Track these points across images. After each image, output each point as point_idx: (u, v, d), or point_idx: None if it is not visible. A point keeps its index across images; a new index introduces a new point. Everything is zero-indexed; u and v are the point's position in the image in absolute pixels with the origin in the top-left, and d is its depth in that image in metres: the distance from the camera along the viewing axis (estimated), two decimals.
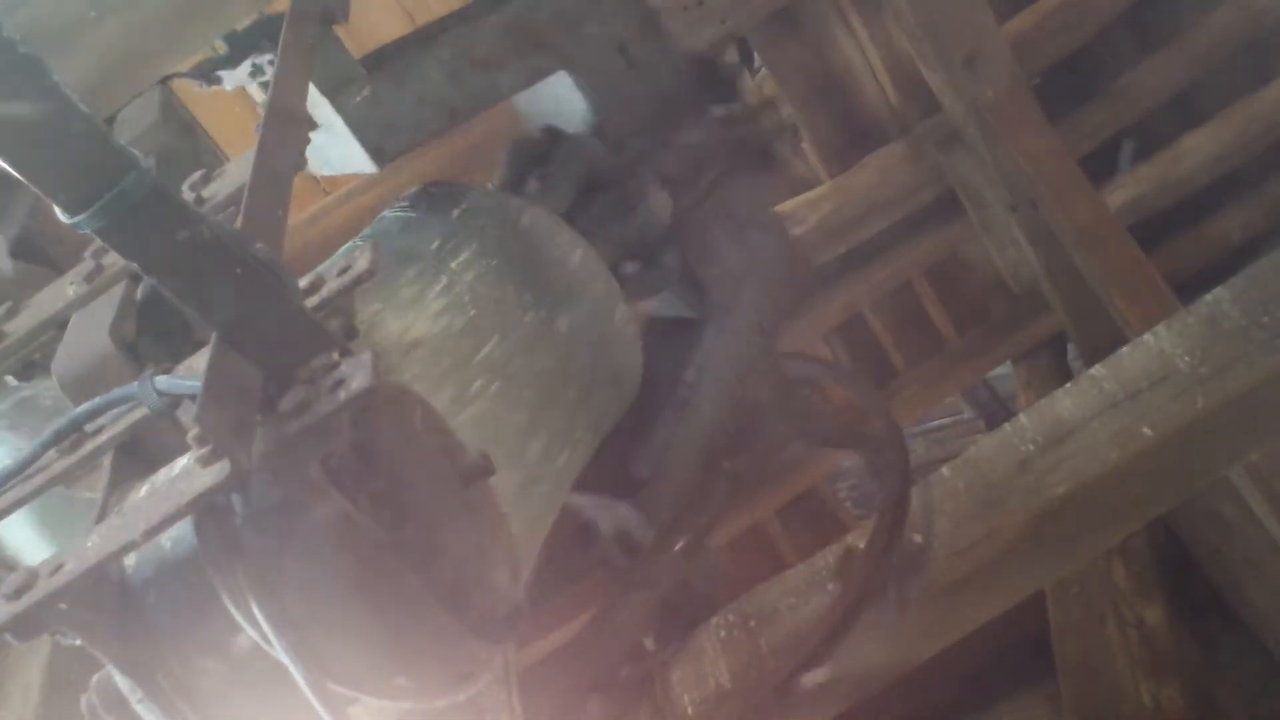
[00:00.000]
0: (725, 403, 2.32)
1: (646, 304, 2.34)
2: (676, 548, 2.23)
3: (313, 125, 1.88)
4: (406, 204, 1.96)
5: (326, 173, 2.20)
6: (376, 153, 2.09)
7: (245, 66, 2.08)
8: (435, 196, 1.96)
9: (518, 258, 1.88)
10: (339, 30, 2.09)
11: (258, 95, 2.09)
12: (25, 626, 1.12)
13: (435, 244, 1.79)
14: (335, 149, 2.08)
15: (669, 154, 2.30)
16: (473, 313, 1.70)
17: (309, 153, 1.58)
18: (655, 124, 2.29)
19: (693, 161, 2.33)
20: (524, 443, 1.62)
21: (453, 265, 1.76)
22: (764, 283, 2.40)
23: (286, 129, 1.50)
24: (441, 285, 1.70)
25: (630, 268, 2.20)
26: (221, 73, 2.09)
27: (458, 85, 2.15)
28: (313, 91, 1.99)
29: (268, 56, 2.06)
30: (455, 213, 1.89)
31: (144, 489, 1.19)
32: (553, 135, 2.25)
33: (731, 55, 2.55)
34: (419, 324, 1.59)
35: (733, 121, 2.43)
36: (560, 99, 2.24)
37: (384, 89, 2.11)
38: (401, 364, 1.49)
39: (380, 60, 2.14)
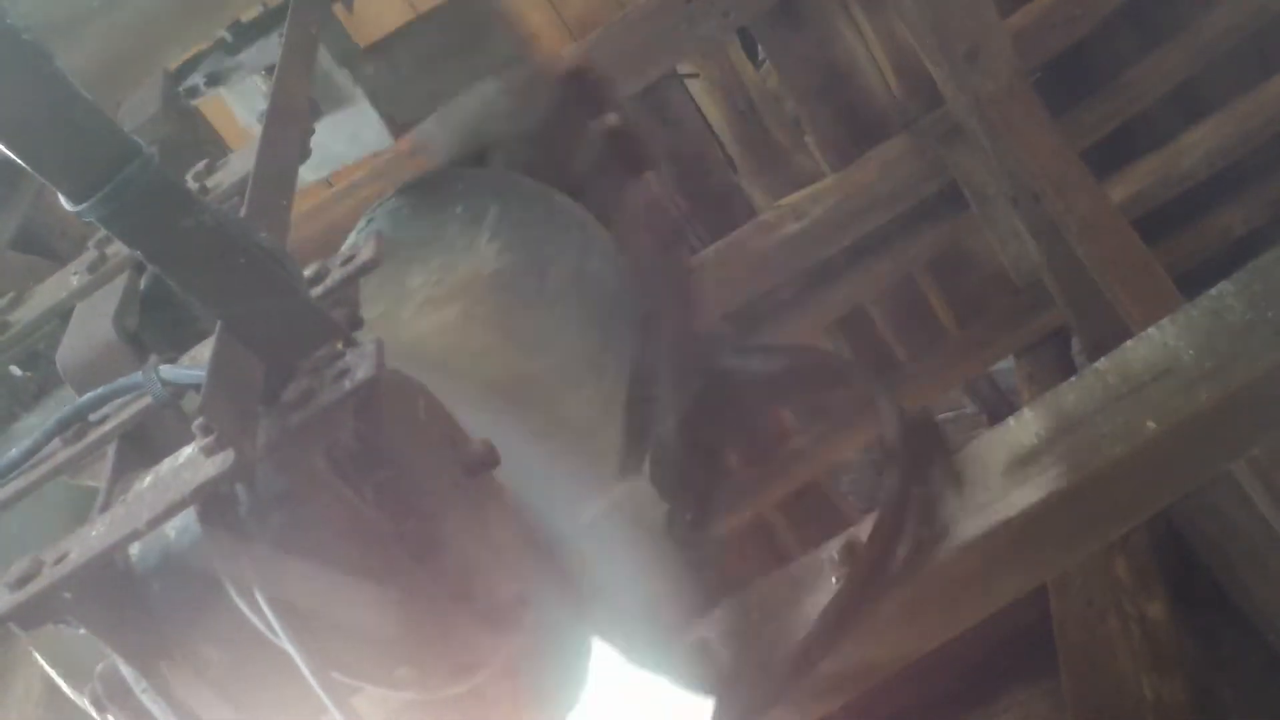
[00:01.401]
0: (688, 384, 2.34)
1: None
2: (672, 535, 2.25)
3: (317, 114, 1.88)
4: (404, 191, 1.99)
5: (324, 173, 2.21)
6: (390, 121, 2.10)
7: (249, 83, 2.08)
8: (434, 180, 2.00)
9: (535, 213, 2.02)
10: (343, 20, 2.10)
11: (262, 85, 2.09)
12: (30, 615, 1.12)
13: (459, 207, 1.93)
14: (342, 133, 2.08)
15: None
16: (521, 253, 1.88)
17: (314, 146, 1.58)
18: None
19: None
20: (599, 370, 1.84)
21: (486, 218, 1.91)
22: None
23: (290, 118, 1.50)
24: (488, 228, 1.89)
25: None
26: (224, 80, 2.09)
27: (443, 65, 2.18)
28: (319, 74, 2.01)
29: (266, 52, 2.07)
30: (460, 185, 1.99)
31: (148, 478, 1.19)
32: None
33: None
34: (486, 257, 1.80)
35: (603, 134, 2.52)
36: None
37: (389, 61, 2.13)
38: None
39: (379, 49, 2.15)
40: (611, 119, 2.51)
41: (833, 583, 2.14)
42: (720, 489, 2.47)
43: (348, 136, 2.08)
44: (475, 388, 1.70)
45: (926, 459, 2.16)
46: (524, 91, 2.31)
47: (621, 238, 2.25)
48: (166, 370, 1.21)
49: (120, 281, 1.46)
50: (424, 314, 1.78)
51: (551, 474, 1.75)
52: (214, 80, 2.04)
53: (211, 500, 1.13)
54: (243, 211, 1.26)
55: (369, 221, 2.09)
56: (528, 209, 2.00)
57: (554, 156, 2.28)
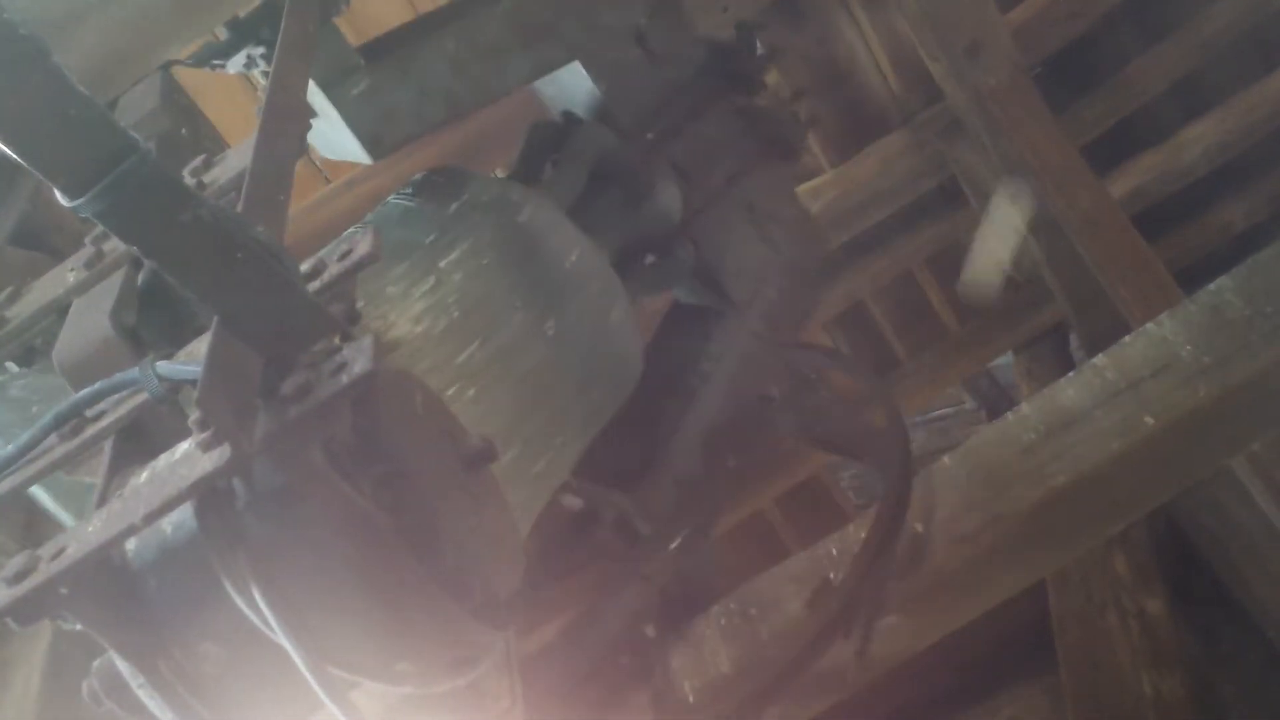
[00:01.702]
0: (733, 398, 2.31)
1: (664, 294, 2.33)
2: (674, 544, 2.23)
3: (313, 112, 1.88)
4: (410, 191, 1.95)
5: (330, 155, 2.19)
6: (373, 144, 2.08)
7: (244, 55, 2.07)
8: (436, 185, 1.95)
9: (512, 255, 1.86)
10: (341, 19, 2.09)
11: (260, 80, 2.09)
12: (26, 611, 1.12)
13: (430, 238, 1.79)
14: (336, 135, 2.08)
15: (684, 144, 2.27)
16: (456, 314, 1.69)
17: (313, 136, 1.57)
18: (671, 113, 2.26)
19: (710, 153, 2.31)
20: (501, 449, 1.60)
21: (442, 264, 1.75)
22: (783, 279, 2.38)
23: (287, 115, 1.50)
24: (429, 285, 1.70)
25: (647, 260, 2.19)
26: (220, 60, 2.08)
27: (462, 76, 2.11)
28: (310, 82, 1.99)
29: (260, 49, 2.06)
30: (453, 206, 1.88)
31: (145, 474, 1.18)
32: (570, 121, 2.24)
33: (754, 47, 2.53)
34: (400, 324, 1.60)
35: (753, 113, 2.41)
36: (576, 85, 2.23)
37: (384, 79, 2.09)
38: None
39: (380, 49, 2.12)
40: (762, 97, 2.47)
41: (832, 579, 2.14)
42: (719, 514, 2.46)
43: (340, 139, 2.08)
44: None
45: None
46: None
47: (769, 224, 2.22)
48: (163, 366, 1.21)
49: (118, 277, 1.46)
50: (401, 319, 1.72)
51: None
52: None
53: (208, 495, 1.13)
54: (240, 207, 1.26)
55: (373, 218, 2.08)
56: (500, 256, 1.85)
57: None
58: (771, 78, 3.58)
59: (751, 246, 2.33)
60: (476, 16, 2.12)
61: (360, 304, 1.48)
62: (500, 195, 1.94)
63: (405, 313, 1.62)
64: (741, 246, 2.32)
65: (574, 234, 1.96)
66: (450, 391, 1.57)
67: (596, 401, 1.91)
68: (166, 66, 1.95)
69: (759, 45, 2.55)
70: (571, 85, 2.23)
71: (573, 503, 2.10)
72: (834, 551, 2.16)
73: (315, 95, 2.03)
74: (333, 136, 2.10)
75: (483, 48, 2.11)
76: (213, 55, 2.07)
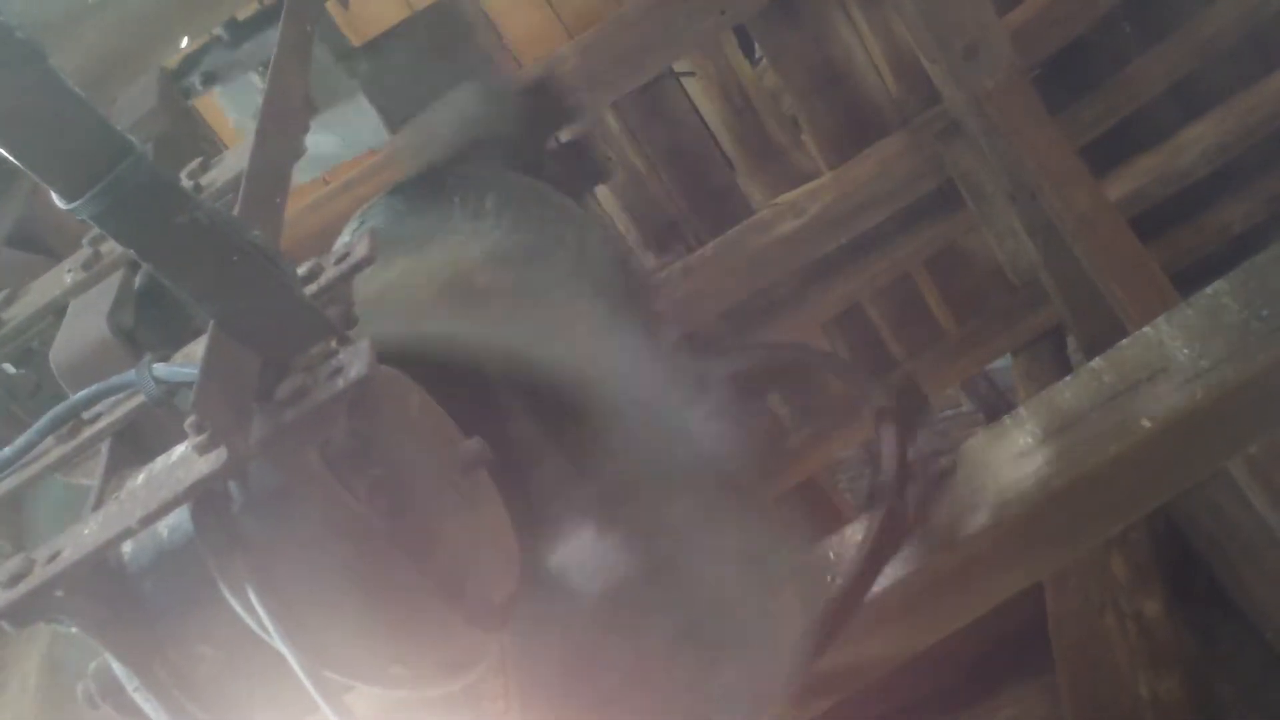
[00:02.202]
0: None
1: None
2: None
3: (312, 114, 1.88)
4: (403, 190, 1.99)
5: (316, 172, 2.21)
6: (389, 115, 2.11)
7: (243, 83, 2.08)
8: (428, 178, 2.02)
9: (532, 202, 2.08)
10: (341, 19, 2.10)
11: (258, 83, 2.09)
12: (22, 613, 1.12)
13: (457, 199, 1.99)
14: (337, 132, 2.08)
15: None
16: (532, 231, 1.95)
17: (309, 158, 1.58)
18: None
19: None
20: None
21: (486, 206, 1.96)
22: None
23: (285, 116, 1.50)
24: (491, 210, 1.95)
25: None
26: (220, 78, 2.08)
27: (435, 63, 2.19)
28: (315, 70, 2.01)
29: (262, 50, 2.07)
30: (450, 179, 1.99)
31: (141, 476, 1.19)
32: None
33: None
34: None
35: None
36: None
37: (380, 63, 2.13)
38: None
39: (372, 48, 2.15)
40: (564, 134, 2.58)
41: (831, 580, 2.14)
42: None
43: (344, 134, 2.08)
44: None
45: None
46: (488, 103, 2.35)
47: None
48: (160, 368, 1.21)
49: (115, 279, 1.46)
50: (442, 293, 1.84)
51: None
52: (210, 79, 2.04)
53: (204, 498, 1.13)
54: (236, 209, 1.26)
55: (362, 221, 2.09)
56: (521, 195, 2.07)
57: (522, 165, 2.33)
58: (770, 80, 3.59)
59: None
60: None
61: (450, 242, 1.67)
62: (486, 167, 2.08)
63: (487, 237, 1.90)
64: None
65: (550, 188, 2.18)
66: (566, 285, 1.88)
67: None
68: (167, 72, 1.95)
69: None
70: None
71: None
72: (831, 555, 2.16)
73: (326, 81, 2.05)
74: (332, 138, 2.11)
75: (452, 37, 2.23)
76: (212, 57, 2.07)
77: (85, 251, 1.52)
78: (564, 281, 1.96)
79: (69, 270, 1.52)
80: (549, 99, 2.98)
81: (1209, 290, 2.13)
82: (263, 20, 2.02)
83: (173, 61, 2.06)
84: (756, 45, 3.59)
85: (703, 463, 1.96)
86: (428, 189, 2.04)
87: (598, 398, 1.75)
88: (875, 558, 2.08)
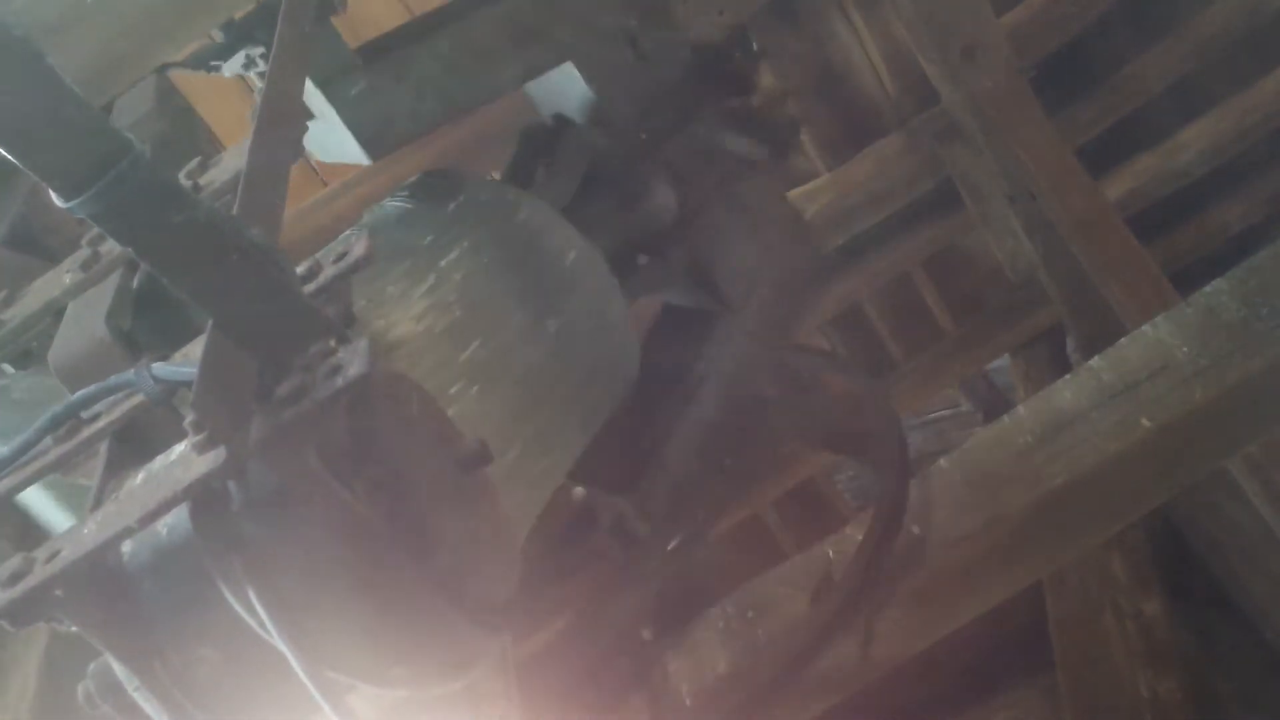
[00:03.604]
0: (729, 399, 2.31)
1: (657, 295, 2.33)
2: (672, 545, 2.23)
3: (309, 115, 1.88)
4: (405, 194, 1.95)
5: (325, 159, 2.19)
6: (371, 145, 2.08)
7: (240, 57, 2.07)
8: (433, 187, 1.94)
9: (511, 254, 1.85)
10: (336, 22, 2.09)
11: (256, 83, 2.09)
12: (21, 613, 1.12)
13: (428, 239, 1.78)
14: (333, 136, 2.08)
15: (677, 146, 2.27)
16: (458, 314, 1.68)
17: (309, 139, 1.57)
18: (663, 115, 2.26)
19: (702, 154, 2.31)
20: (502, 448, 1.57)
21: (442, 263, 1.73)
22: (778, 279, 2.39)
23: (283, 117, 1.50)
24: (428, 284, 1.68)
25: (640, 261, 2.18)
26: (217, 62, 2.08)
27: (456, 78, 2.13)
28: (308, 83, 1.99)
29: (260, 49, 2.06)
30: (451, 206, 1.87)
31: (140, 476, 1.19)
32: (561, 124, 2.23)
33: (747, 48, 2.53)
34: (402, 324, 1.58)
35: (746, 114, 2.41)
36: (568, 88, 2.23)
37: (381, 79, 2.09)
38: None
39: (377, 51, 2.13)
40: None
41: (828, 581, 2.14)
42: (718, 516, 2.46)
43: (336, 141, 2.08)
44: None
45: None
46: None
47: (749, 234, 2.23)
48: (158, 368, 1.21)
49: (113, 279, 1.46)
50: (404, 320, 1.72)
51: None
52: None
53: (203, 498, 1.13)
54: (235, 209, 1.26)
55: (367, 221, 2.08)
56: (499, 255, 1.84)
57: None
58: (766, 79, 3.59)
59: (744, 247, 2.33)
60: (471, 19, 2.12)
61: (361, 304, 1.49)
62: (497, 195, 1.94)
63: (407, 312, 1.61)
64: (734, 247, 2.32)
65: (571, 233, 1.95)
66: (454, 389, 1.56)
67: (595, 400, 1.91)
68: (163, 69, 1.95)
69: (753, 45, 2.54)
70: (563, 87, 2.23)
71: (579, 492, 2.10)
72: (831, 554, 2.16)
73: (313, 96, 2.03)
74: (330, 138, 2.10)
75: (476, 49, 2.12)
76: (210, 57, 2.07)
77: (84, 252, 1.52)
78: (519, 340, 1.75)
79: (67, 271, 1.52)
80: None
81: (1208, 289, 2.13)
82: (261, 20, 2.02)
83: (170, 61, 2.05)
84: (754, 45, 3.59)
85: None
86: (431, 194, 1.98)
87: None
88: (876, 555, 2.08)
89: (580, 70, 2.16)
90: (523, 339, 1.77)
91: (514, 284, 1.81)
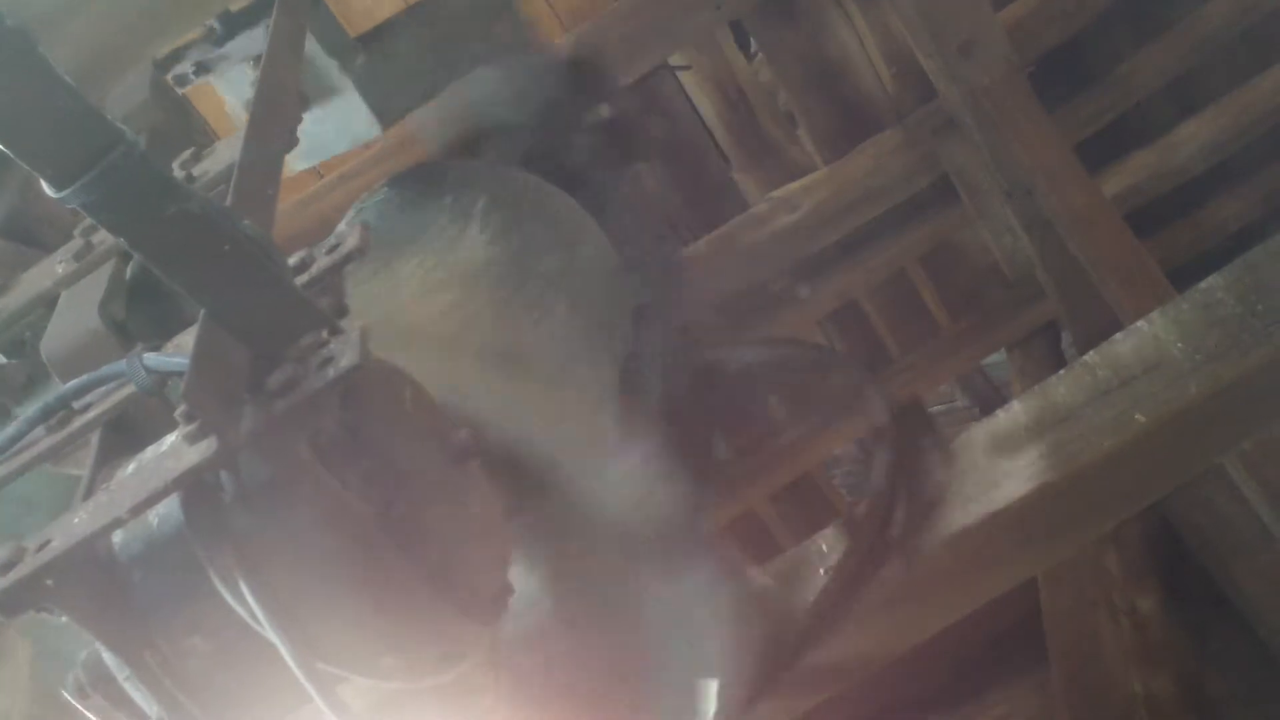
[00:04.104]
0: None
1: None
2: None
3: (305, 105, 1.87)
4: (397, 183, 1.99)
5: (312, 161, 2.20)
6: (382, 111, 2.10)
7: (239, 70, 2.08)
8: (425, 172, 2.01)
9: (525, 209, 2.04)
10: (335, 12, 2.09)
11: (251, 74, 2.08)
12: (12, 602, 1.12)
13: (449, 199, 1.96)
14: (330, 125, 2.07)
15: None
16: (516, 241, 1.90)
17: (298, 152, 1.57)
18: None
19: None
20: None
21: (475, 209, 1.94)
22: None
23: (277, 107, 1.50)
24: (479, 214, 1.92)
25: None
26: (213, 69, 2.08)
27: (438, 55, 2.18)
28: (313, 59, 2.01)
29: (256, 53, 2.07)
30: (451, 175, 1.98)
31: (131, 466, 1.18)
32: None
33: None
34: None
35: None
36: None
37: (379, 55, 2.13)
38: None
39: (373, 38, 2.14)
40: (605, 109, 2.52)
41: (822, 574, 2.14)
42: (710, 480, 2.47)
43: (337, 127, 2.08)
44: (473, 366, 1.72)
45: (915, 445, 2.17)
46: (522, 80, 2.32)
47: (614, 229, 2.25)
48: (150, 358, 1.21)
49: (106, 270, 1.46)
50: (419, 301, 1.80)
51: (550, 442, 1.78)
52: (203, 69, 2.03)
53: (194, 488, 1.13)
54: (228, 200, 1.26)
55: (358, 212, 2.09)
56: (516, 200, 2.01)
57: (548, 147, 2.29)
58: (765, 75, 3.59)
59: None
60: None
61: (432, 249, 1.74)
62: (489, 165, 2.05)
63: (469, 244, 1.87)
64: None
65: (556, 191, 2.15)
66: (545, 297, 1.85)
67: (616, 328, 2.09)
68: (159, 74, 1.95)
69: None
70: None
71: None
72: (824, 548, 2.16)
73: (319, 75, 2.04)
74: (326, 126, 2.10)
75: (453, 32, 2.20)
76: (206, 48, 2.07)
77: (76, 243, 1.52)
78: (535, 303, 1.93)
79: (60, 261, 1.52)
80: None
81: (1204, 285, 2.13)
82: (256, 11, 2.02)
83: (165, 52, 2.05)
84: (752, 40, 3.58)
85: (627, 512, 1.96)
86: (424, 183, 2.03)
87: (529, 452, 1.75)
88: (870, 550, 2.08)
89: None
90: (565, 266, 2.00)
91: (537, 224, 2.04)
